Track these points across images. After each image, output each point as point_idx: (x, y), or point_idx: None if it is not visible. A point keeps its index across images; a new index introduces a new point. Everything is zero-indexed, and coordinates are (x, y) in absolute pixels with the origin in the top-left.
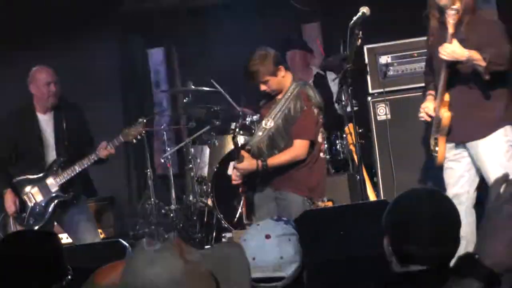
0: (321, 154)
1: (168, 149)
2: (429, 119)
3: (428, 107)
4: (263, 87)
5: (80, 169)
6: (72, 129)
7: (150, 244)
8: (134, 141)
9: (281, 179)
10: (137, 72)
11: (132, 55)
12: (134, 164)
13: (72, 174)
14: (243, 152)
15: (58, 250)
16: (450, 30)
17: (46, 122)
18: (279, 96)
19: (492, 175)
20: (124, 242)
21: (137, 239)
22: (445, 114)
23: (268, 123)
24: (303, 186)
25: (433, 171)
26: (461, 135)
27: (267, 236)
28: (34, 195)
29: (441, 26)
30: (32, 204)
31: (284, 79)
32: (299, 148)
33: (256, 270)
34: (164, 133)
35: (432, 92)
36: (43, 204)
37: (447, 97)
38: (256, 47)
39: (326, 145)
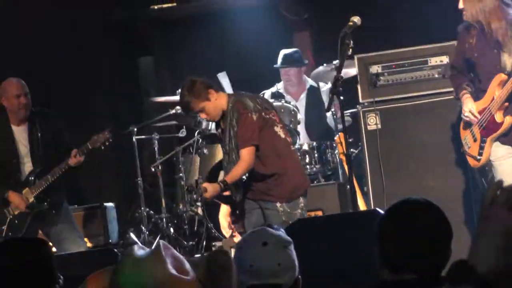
0: (292, 147)
1: (159, 157)
2: (475, 120)
3: (474, 108)
4: (202, 115)
5: (53, 179)
6: (47, 139)
7: (138, 250)
8: (102, 147)
9: (260, 190)
10: (128, 80)
11: (122, 63)
12: (124, 173)
13: (46, 184)
14: (203, 186)
15: (48, 258)
16: None
17: (20, 133)
18: (222, 121)
19: None
20: (116, 250)
21: (127, 248)
22: (508, 119)
23: (226, 148)
24: (283, 193)
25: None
26: None
27: (264, 243)
28: (12, 207)
29: (479, 31)
30: (11, 217)
31: (218, 101)
32: (246, 156)
33: (253, 277)
34: (155, 141)
35: (468, 92)
36: (20, 216)
37: (506, 103)
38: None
39: (316, 154)
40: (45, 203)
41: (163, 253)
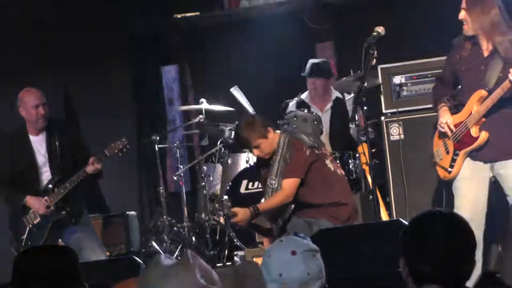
0: (344, 179)
1: (181, 166)
2: (450, 132)
3: (450, 121)
4: (256, 152)
5: (71, 187)
6: (66, 148)
7: (166, 259)
8: (120, 154)
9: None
10: (151, 89)
11: (146, 72)
12: (147, 181)
13: (65, 192)
14: (233, 210)
15: (75, 266)
16: None
17: (38, 143)
18: (274, 156)
19: None
20: (138, 259)
21: (149, 256)
22: (483, 134)
23: (273, 182)
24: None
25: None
26: (494, 154)
27: (293, 252)
28: (31, 217)
29: (473, 45)
30: (30, 226)
31: (274, 139)
32: (286, 188)
33: (282, 287)
34: (177, 150)
35: (446, 105)
36: (40, 225)
37: (483, 119)
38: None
39: (338, 164)
40: (64, 212)
41: (192, 263)
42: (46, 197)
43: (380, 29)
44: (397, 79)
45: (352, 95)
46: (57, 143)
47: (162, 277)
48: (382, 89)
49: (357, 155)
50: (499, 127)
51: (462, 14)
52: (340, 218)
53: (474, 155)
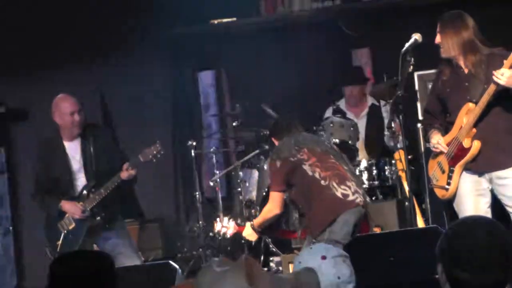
0: (322, 182)
1: (217, 172)
2: (443, 150)
3: (441, 140)
4: None
5: (106, 193)
6: (100, 153)
7: (220, 264)
8: (154, 160)
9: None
10: (187, 95)
11: (182, 77)
12: (183, 187)
13: (99, 198)
14: (239, 228)
15: (111, 270)
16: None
17: (73, 149)
18: None
19: None
20: (174, 264)
21: (185, 262)
22: (476, 144)
23: None
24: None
25: None
26: (489, 164)
27: (323, 257)
28: (66, 222)
29: (453, 67)
30: (65, 232)
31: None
32: (269, 200)
33: None
34: (213, 156)
35: (436, 128)
36: (74, 231)
37: (473, 130)
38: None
39: (375, 171)
40: (98, 217)
41: (244, 268)
42: (81, 202)
43: (417, 36)
44: None
45: (387, 102)
46: (91, 148)
47: (213, 282)
48: (418, 96)
49: (393, 161)
50: (490, 137)
51: (438, 38)
52: (311, 228)
53: (469, 169)
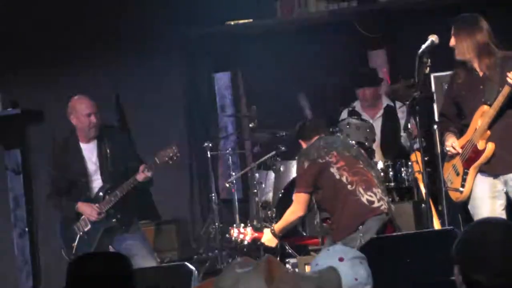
0: (349, 187)
1: (233, 173)
2: (457, 152)
3: (455, 143)
4: None
5: (122, 194)
6: (117, 155)
7: (241, 265)
8: (170, 162)
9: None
10: (203, 96)
11: (198, 79)
12: (199, 188)
13: (115, 200)
14: (259, 234)
15: (129, 272)
16: None
17: (89, 151)
18: None
19: None
20: (190, 266)
21: (201, 263)
22: (490, 146)
23: None
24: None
25: None
26: (503, 166)
27: (341, 259)
28: (82, 224)
29: (467, 70)
30: (81, 233)
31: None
32: (294, 202)
33: None
34: (229, 157)
35: (451, 131)
36: (90, 233)
37: (488, 132)
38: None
39: (391, 172)
40: (114, 219)
41: (266, 268)
42: (97, 204)
43: (434, 37)
44: None
45: (404, 103)
46: (108, 150)
47: (234, 283)
48: (435, 98)
49: (409, 163)
50: (504, 138)
51: (452, 41)
52: (334, 231)
53: (484, 171)
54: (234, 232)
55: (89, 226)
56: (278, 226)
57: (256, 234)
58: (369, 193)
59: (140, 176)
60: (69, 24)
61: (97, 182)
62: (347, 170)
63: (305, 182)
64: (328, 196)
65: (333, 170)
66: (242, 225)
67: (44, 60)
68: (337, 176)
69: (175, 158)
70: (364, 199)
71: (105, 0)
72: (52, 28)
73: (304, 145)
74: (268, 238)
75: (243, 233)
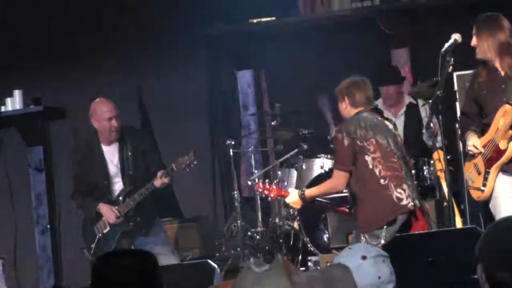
0: (381, 181)
1: (255, 171)
2: (478, 152)
3: (477, 142)
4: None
5: (140, 199)
6: (138, 158)
7: (258, 264)
8: (187, 169)
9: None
10: (225, 94)
11: (220, 76)
12: (221, 186)
13: (133, 204)
14: (284, 192)
15: (156, 269)
16: None
17: (111, 153)
18: None
19: None
20: (213, 263)
21: (223, 261)
22: (511, 146)
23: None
24: (361, 223)
25: None
26: None
27: (363, 257)
28: (101, 225)
29: (489, 70)
30: (100, 235)
31: (344, 111)
32: (333, 177)
33: None
34: (252, 155)
35: (473, 130)
36: (109, 235)
37: (510, 131)
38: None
39: (414, 171)
40: (131, 223)
41: (284, 266)
42: (116, 207)
43: (457, 36)
44: None
45: (426, 101)
46: (129, 153)
47: (254, 283)
48: (457, 97)
49: (431, 161)
50: None
51: (474, 40)
52: (359, 221)
53: (506, 170)
54: (260, 188)
55: (108, 228)
56: (310, 192)
57: (282, 192)
58: (399, 189)
59: (157, 182)
60: (92, 22)
61: (118, 185)
62: (382, 163)
63: (346, 160)
64: (357, 183)
65: (368, 158)
66: (268, 180)
67: (66, 58)
68: (371, 166)
69: (192, 165)
70: (394, 196)
71: (130, 0)
72: (74, 26)
73: (343, 105)
74: (293, 200)
75: (268, 190)
